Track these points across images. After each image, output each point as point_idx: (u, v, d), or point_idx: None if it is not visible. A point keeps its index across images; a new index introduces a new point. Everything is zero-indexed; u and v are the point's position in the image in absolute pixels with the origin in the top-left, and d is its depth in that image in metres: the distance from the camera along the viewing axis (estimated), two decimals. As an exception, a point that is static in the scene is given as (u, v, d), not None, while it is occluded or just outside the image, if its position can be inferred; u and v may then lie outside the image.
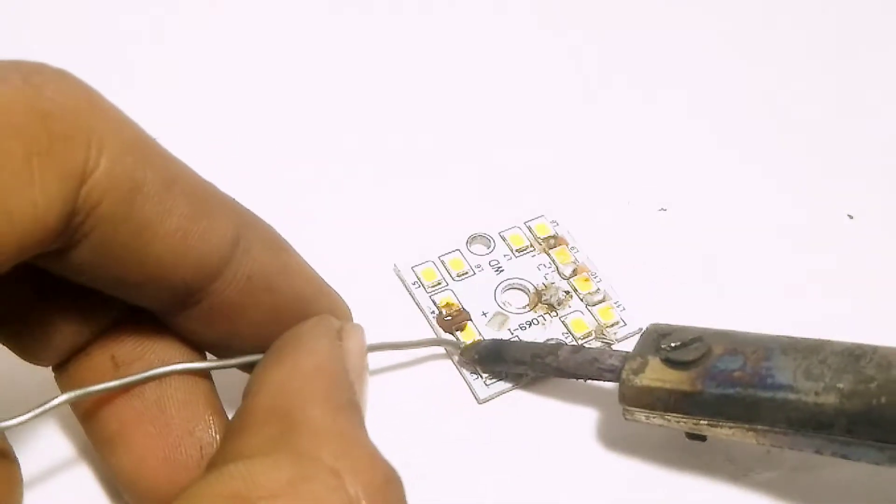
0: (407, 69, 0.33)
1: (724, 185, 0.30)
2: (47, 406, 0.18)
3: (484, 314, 0.26)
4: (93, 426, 0.20)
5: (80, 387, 0.20)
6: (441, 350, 0.25)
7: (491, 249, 0.27)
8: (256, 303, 0.19)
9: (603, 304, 0.26)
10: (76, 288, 0.18)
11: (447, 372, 0.25)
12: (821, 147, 0.32)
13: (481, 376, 0.24)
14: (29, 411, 0.18)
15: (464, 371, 0.24)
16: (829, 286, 0.27)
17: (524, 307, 0.26)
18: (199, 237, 0.17)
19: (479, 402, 0.24)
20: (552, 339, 0.25)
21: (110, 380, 0.19)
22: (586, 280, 0.27)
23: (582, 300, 0.26)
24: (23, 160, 0.14)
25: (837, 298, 0.27)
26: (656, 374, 0.21)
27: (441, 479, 0.23)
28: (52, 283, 0.18)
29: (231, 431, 0.16)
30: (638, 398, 0.22)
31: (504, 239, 0.28)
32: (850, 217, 0.29)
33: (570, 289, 0.26)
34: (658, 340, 0.22)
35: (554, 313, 0.26)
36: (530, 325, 0.26)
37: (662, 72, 0.34)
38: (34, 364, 0.20)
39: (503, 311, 0.26)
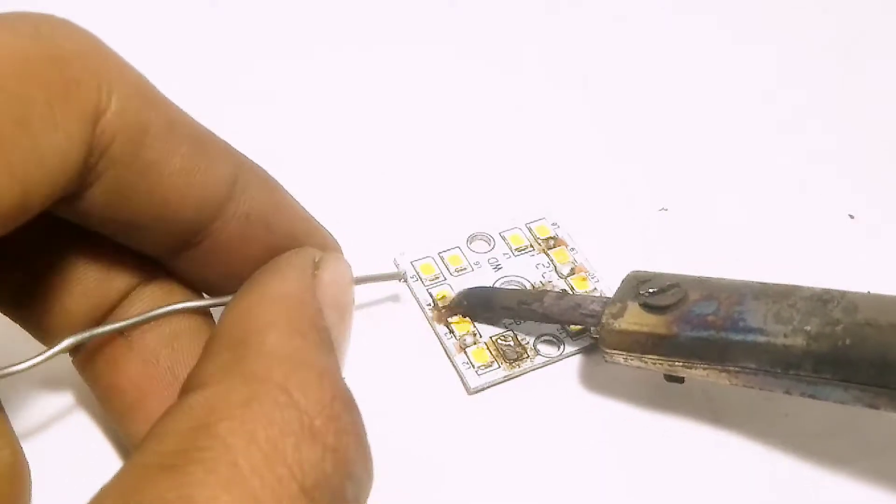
0: (419, 73, 0.34)
1: (725, 186, 0.30)
2: (52, 351, 0.18)
3: (480, 308, 0.26)
4: (110, 398, 0.21)
5: (96, 367, 0.20)
6: (433, 339, 0.25)
7: (491, 248, 0.28)
8: (254, 241, 0.19)
9: (599, 302, 0.26)
10: (84, 262, 0.19)
11: (438, 361, 0.25)
12: (821, 147, 0.32)
13: (470, 360, 0.25)
14: (33, 357, 0.18)
15: (455, 360, 0.25)
16: (830, 286, 0.27)
17: (520, 303, 0.26)
18: (201, 176, 0.18)
19: (470, 392, 0.24)
20: (546, 334, 0.25)
21: (125, 353, 0.20)
22: (584, 280, 0.27)
23: (578, 299, 0.26)
24: (45, 106, 0.15)
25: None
26: (634, 319, 0.22)
27: (429, 469, 0.23)
28: (62, 260, 0.19)
29: (200, 359, 0.17)
30: (617, 341, 0.22)
31: (504, 238, 0.28)
32: (851, 217, 0.29)
33: (567, 287, 0.27)
34: (637, 287, 0.23)
35: (549, 310, 0.26)
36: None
37: (662, 72, 0.35)
38: (50, 345, 0.20)
39: (499, 307, 0.26)
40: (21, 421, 0.22)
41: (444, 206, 0.29)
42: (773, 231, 0.29)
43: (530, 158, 0.31)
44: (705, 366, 0.21)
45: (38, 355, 0.18)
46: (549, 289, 0.26)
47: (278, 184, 0.20)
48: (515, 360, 0.25)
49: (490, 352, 0.25)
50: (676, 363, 0.22)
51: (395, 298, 0.26)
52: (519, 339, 0.25)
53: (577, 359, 0.25)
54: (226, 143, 0.19)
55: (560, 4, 0.38)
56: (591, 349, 0.25)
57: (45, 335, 0.20)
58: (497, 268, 0.27)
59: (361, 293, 0.26)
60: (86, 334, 0.19)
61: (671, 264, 0.27)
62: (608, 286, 0.27)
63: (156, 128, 0.17)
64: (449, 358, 0.25)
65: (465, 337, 0.25)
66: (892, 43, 0.36)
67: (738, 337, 0.21)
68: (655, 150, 0.32)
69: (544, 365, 0.25)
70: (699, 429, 0.24)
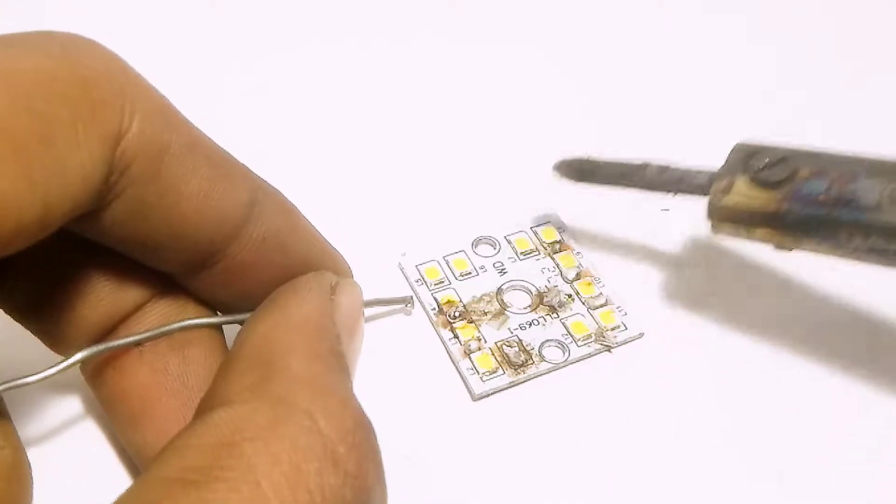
0: (426, 74, 0.34)
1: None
2: (65, 364, 0.18)
3: (485, 313, 0.26)
4: (116, 405, 0.21)
5: (103, 373, 0.20)
6: (438, 344, 0.25)
7: (496, 252, 0.28)
8: (269, 263, 0.19)
9: (605, 307, 0.26)
10: (99, 274, 0.20)
11: (442, 366, 0.25)
12: (820, 146, 0.32)
13: (474, 366, 0.24)
14: (45, 369, 0.18)
15: (459, 366, 0.25)
16: (830, 286, 0.27)
17: (525, 308, 0.26)
18: (220, 198, 0.18)
19: (474, 398, 0.24)
20: (552, 339, 0.25)
21: (134, 361, 0.20)
22: (589, 284, 0.27)
23: (584, 303, 0.26)
24: (70, 126, 0.15)
25: (839, 299, 0.27)
26: (743, 194, 0.22)
27: (433, 475, 0.23)
28: (77, 271, 0.19)
29: (218, 377, 0.17)
30: (725, 216, 0.23)
31: (510, 242, 0.28)
32: None
33: (572, 292, 0.26)
34: (746, 159, 0.23)
35: (555, 315, 0.26)
36: (531, 325, 0.26)
37: (665, 75, 0.34)
38: (62, 354, 0.20)
39: (504, 311, 0.26)
40: (26, 424, 0.22)
41: (449, 210, 0.29)
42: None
43: (536, 162, 0.31)
44: (815, 243, 0.21)
45: (50, 367, 0.18)
46: (647, 163, 0.26)
47: (294, 207, 0.21)
48: (520, 365, 0.24)
49: (495, 357, 0.25)
50: (786, 238, 0.22)
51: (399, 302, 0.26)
52: (524, 344, 0.25)
53: (583, 364, 0.25)
54: (244, 167, 0.19)
55: (563, 10, 0.37)
56: (597, 354, 0.25)
57: (58, 344, 0.20)
58: (502, 272, 0.27)
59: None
60: (100, 347, 0.19)
61: (676, 263, 0.28)
62: (612, 291, 0.26)
63: (176, 149, 0.17)
64: (453, 363, 0.25)
65: (470, 342, 0.25)
66: (892, 43, 0.36)
67: (851, 217, 0.21)
68: (656, 152, 0.31)
69: (549, 371, 0.25)
70: (706, 435, 0.23)
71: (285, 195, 0.20)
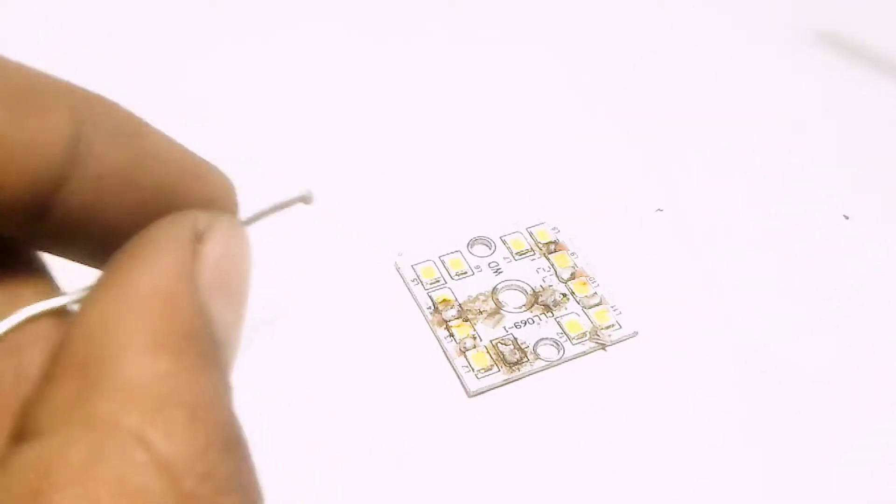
0: (422, 76, 0.34)
1: (724, 186, 0.31)
2: None
3: (480, 312, 0.26)
4: None
5: None
6: (434, 342, 0.25)
7: (491, 252, 0.28)
8: (118, 204, 0.15)
9: (599, 307, 0.26)
10: None
11: (438, 364, 0.25)
12: (818, 147, 0.32)
13: (469, 364, 0.25)
14: None
15: (455, 363, 0.25)
16: (828, 286, 0.27)
17: (521, 307, 0.26)
18: (27, 145, 0.14)
19: (469, 395, 0.24)
20: (546, 338, 0.25)
21: None
22: (584, 284, 0.27)
23: (578, 303, 0.26)
24: None
25: (835, 298, 0.27)
26: None
27: (429, 471, 0.23)
28: None
29: (39, 388, 0.12)
30: None
31: (505, 242, 0.28)
32: (847, 217, 0.29)
33: (567, 291, 0.27)
34: None
35: (550, 314, 0.26)
36: (526, 324, 0.26)
37: (661, 77, 0.35)
38: None
39: (499, 310, 0.26)
40: None
41: (444, 210, 0.29)
42: (769, 230, 0.29)
43: (531, 164, 0.31)
44: None
45: None
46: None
47: (141, 126, 0.15)
48: (515, 363, 0.25)
49: (490, 355, 0.25)
50: None
51: (394, 302, 0.26)
52: (519, 342, 0.25)
53: (577, 362, 0.25)
54: (62, 88, 0.14)
55: (564, 11, 0.38)
56: (591, 353, 0.25)
57: None
58: (498, 272, 0.27)
59: (363, 298, 0.26)
60: None
61: (670, 263, 0.28)
62: (607, 290, 0.27)
63: None
64: (449, 361, 0.25)
65: (465, 340, 0.25)
66: (891, 39, 0.37)
67: None
68: (653, 153, 0.32)
69: (544, 369, 0.25)
70: (701, 433, 0.24)
71: (130, 110, 0.15)
